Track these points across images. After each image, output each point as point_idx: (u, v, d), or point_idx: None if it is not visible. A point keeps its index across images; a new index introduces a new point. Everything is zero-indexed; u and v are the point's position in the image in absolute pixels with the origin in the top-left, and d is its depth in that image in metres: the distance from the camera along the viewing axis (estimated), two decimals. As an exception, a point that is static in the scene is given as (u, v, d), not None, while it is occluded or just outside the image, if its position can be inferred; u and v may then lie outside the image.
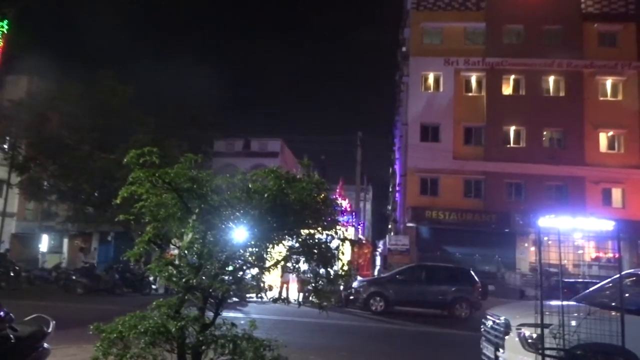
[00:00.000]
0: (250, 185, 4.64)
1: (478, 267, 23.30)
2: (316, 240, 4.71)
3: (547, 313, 5.26)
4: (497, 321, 6.34)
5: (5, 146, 23.53)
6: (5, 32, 16.18)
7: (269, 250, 4.58)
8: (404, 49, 33.59)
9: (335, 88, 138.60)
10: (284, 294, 15.11)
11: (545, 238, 6.07)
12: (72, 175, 21.98)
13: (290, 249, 4.72)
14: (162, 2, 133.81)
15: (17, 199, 27.93)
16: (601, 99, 28.92)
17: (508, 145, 29.02)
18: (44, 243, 30.49)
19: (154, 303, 4.47)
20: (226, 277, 4.49)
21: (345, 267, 4.98)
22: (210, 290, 4.37)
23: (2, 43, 16.22)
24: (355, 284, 16.68)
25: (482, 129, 29.12)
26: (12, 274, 18.93)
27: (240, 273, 4.71)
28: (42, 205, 28.63)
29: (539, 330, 5.30)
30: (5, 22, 16.19)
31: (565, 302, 5.47)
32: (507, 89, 29.79)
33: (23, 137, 23.35)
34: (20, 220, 29.61)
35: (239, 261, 4.60)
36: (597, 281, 9.37)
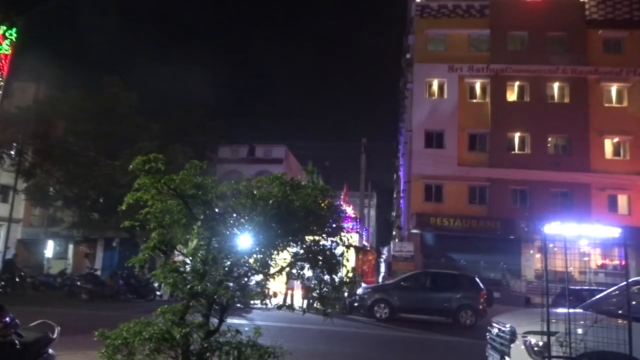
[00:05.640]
0: (255, 192, 4.63)
1: (483, 274, 23.15)
2: (321, 247, 4.69)
3: (553, 321, 5.23)
4: (503, 329, 6.29)
5: (12, 152, 23.69)
6: (14, 40, 16.39)
7: (273, 256, 4.55)
8: (408, 55, 33.67)
9: (339, 95, 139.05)
10: (288, 301, 15.10)
11: (551, 245, 6.03)
12: (78, 181, 22.08)
13: (295, 255, 4.71)
14: (167, 10, 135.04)
15: (23, 205, 28.11)
16: (606, 105, 28.86)
17: (513, 152, 28.96)
18: (49, 249, 30.59)
19: (159, 309, 4.47)
20: (231, 284, 4.48)
21: (350, 274, 4.96)
22: (215, 296, 4.36)
23: (10, 51, 16.41)
24: (359, 291, 16.59)
25: (487, 136, 29.09)
26: (17, 280, 19.00)
27: (245, 279, 4.69)
28: (48, 211, 28.79)
29: (545, 338, 5.27)
30: (14, 30, 16.40)
31: (571, 310, 5.43)
32: (511, 96, 29.79)
33: (29, 144, 23.52)
34: (26, 226, 29.80)
35: (244, 268, 4.58)
36: (604, 289, 9.30)
